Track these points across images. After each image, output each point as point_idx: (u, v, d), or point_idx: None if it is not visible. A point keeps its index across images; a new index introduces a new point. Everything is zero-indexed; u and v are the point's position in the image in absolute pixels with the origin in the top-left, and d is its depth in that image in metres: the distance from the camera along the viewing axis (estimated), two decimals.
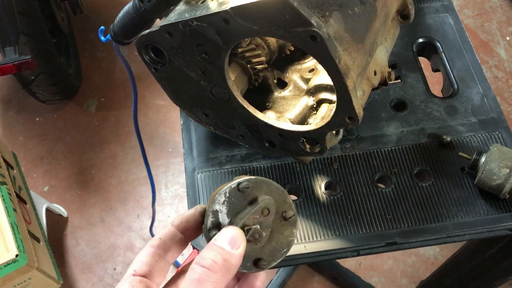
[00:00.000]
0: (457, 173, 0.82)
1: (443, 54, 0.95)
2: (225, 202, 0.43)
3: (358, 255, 0.79)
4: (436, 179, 0.82)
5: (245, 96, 0.77)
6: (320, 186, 0.83)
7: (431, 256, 1.78)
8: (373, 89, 0.85)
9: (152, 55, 0.75)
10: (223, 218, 0.43)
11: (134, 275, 0.44)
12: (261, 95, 0.84)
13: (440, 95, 0.94)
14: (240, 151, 0.86)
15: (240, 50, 0.75)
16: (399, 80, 0.93)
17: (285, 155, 0.83)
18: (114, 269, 1.81)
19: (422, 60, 1.02)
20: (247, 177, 0.43)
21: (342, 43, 0.62)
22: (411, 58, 0.95)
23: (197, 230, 0.48)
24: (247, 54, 0.75)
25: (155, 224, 1.71)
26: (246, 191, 0.43)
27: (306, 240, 0.77)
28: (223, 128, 0.81)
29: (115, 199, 1.95)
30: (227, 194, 0.43)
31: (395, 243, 0.78)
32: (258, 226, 0.42)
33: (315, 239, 0.77)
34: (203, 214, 0.47)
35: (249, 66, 0.76)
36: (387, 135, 0.87)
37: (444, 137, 0.85)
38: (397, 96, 0.91)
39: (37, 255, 1.32)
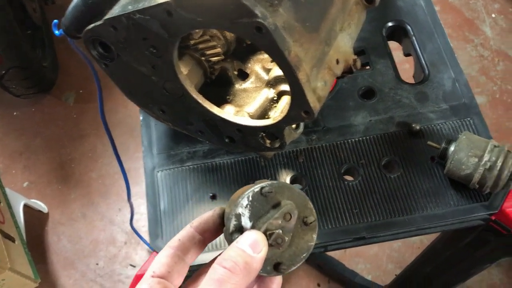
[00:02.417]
0: (426, 163, 0.80)
1: (413, 37, 0.91)
2: (248, 206, 0.43)
3: (326, 251, 0.77)
4: (405, 170, 0.79)
5: (204, 90, 0.74)
6: (285, 181, 0.79)
7: (417, 240, 1.76)
8: (338, 78, 0.82)
9: (101, 50, 0.71)
10: (246, 221, 0.43)
11: (153, 276, 0.44)
12: (222, 88, 0.80)
13: (412, 81, 0.91)
14: (203, 147, 0.83)
15: (192, 42, 0.71)
16: (368, 67, 0.89)
17: (248, 151, 0.79)
18: (97, 264, 1.78)
19: (395, 45, 0.98)
20: (269, 182, 0.44)
21: (292, 34, 0.58)
22: (380, 43, 0.91)
23: (216, 231, 0.48)
24: (201, 46, 0.71)
25: (137, 217, 1.68)
26: (269, 195, 0.43)
27: None
28: (181, 124, 0.77)
29: (96, 193, 1.91)
30: (250, 198, 0.43)
31: (362, 237, 0.76)
32: (281, 231, 0.43)
33: None
34: (221, 216, 0.48)
35: (203, 58, 0.72)
36: (355, 125, 0.84)
37: (413, 125, 0.81)
38: (365, 83, 0.87)
39: (10, 255, 1.29)
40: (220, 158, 0.82)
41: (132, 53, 0.67)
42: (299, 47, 0.59)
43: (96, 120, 2.07)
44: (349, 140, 0.82)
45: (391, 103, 0.85)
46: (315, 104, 0.62)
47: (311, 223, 0.45)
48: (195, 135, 0.79)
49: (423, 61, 0.89)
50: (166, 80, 0.69)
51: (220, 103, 0.77)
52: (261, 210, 0.43)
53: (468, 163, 0.72)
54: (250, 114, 0.74)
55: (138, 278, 0.72)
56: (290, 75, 0.58)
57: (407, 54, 0.94)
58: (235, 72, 0.80)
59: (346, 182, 0.79)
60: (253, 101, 0.76)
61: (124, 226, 1.85)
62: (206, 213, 0.49)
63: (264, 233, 0.43)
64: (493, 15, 2.28)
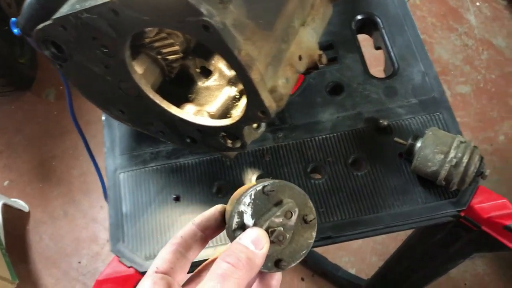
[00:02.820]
0: (394, 160, 0.78)
1: (383, 30, 0.89)
2: (250, 204, 0.44)
3: None
4: (373, 167, 0.78)
5: (165, 88, 0.72)
6: (251, 181, 0.78)
7: (401, 232, 1.75)
8: (305, 74, 0.80)
9: (54, 50, 0.68)
10: (248, 219, 0.44)
11: (156, 272, 0.45)
12: (184, 86, 0.78)
13: (383, 75, 0.89)
14: (166, 147, 0.81)
15: (147, 40, 0.68)
16: (336, 62, 0.87)
17: (210, 151, 0.77)
18: (79, 262, 1.77)
19: (366, 38, 0.96)
20: (271, 181, 0.45)
21: (243, 32, 0.56)
22: (349, 37, 0.89)
23: (217, 229, 0.49)
24: (156, 45, 0.69)
25: None
26: (271, 194, 0.45)
27: None
28: (141, 125, 0.75)
29: (78, 190, 1.89)
30: (253, 196, 0.44)
31: (329, 237, 0.74)
32: (282, 229, 0.44)
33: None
34: (223, 214, 0.49)
35: (160, 57, 0.70)
36: (322, 122, 0.82)
37: (381, 121, 0.80)
38: (333, 79, 0.85)
39: None
40: (184, 158, 0.80)
41: (84, 53, 0.65)
42: (251, 45, 0.57)
43: (77, 117, 2.04)
44: (316, 138, 0.81)
45: (359, 98, 0.83)
46: (271, 104, 0.60)
47: (310, 221, 0.46)
48: (156, 136, 0.77)
49: (393, 55, 0.87)
50: (121, 80, 0.67)
51: (182, 102, 0.75)
52: (263, 208, 0.44)
53: (434, 160, 0.71)
54: (211, 113, 0.72)
55: (98, 283, 0.70)
56: (242, 74, 0.56)
57: (377, 48, 0.92)
58: (197, 70, 0.78)
59: (312, 181, 0.77)
60: (215, 100, 0.74)
61: (106, 224, 1.83)
62: (208, 211, 0.50)
63: (266, 230, 0.44)
64: (477, 3, 2.26)
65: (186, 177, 0.78)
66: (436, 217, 0.75)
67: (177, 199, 0.77)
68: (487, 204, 0.75)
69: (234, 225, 0.44)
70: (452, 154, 0.69)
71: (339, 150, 0.79)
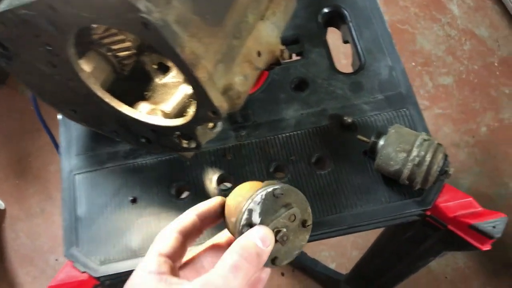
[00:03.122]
0: (358, 158, 0.76)
1: (350, 23, 0.86)
2: (260, 204, 0.47)
3: None
4: (336, 166, 0.75)
5: (121, 86, 0.69)
6: (211, 181, 0.75)
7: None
8: (267, 69, 0.77)
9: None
10: (255, 217, 0.47)
11: (160, 255, 0.47)
12: (141, 84, 0.75)
13: (351, 70, 0.86)
14: (124, 147, 0.78)
15: (96, 37, 0.65)
16: (301, 57, 0.85)
17: (165, 151, 0.75)
18: (56, 259, 1.74)
19: (336, 32, 0.94)
20: (280, 184, 0.49)
21: (188, 28, 0.53)
22: (315, 30, 0.87)
23: (215, 219, 0.52)
24: (106, 41, 0.66)
25: None
26: (280, 196, 0.48)
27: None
28: (95, 125, 0.72)
29: (55, 187, 1.86)
30: (263, 197, 0.47)
31: None
32: (286, 230, 0.48)
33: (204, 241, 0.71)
34: (222, 206, 0.52)
35: (110, 54, 0.67)
36: (286, 119, 0.79)
37: (345, 118, 0.77)
38: (298, 74, 0.83)
39: None
40: (143, 158, 0.77)
41: (30, 52, 0.62)
42: (197, 42, 0.54)
43: (54, 112, 2.00)
44: (280, 136, 0.78)
45: (324, 94, 0.81)
46: (221, 103, 0.58)
47: (308, 225, 0.50)
48: (111, 136, 0.74)
49: (360, 49, 0.84)
50: (69, 79, 0.64)
51: (138, 100, 0.72)
52: (270, 208, 0.48)
53: (397, 159, 0.68)
54: (166, 112, 0.69)
55: None
56: (187, 74, 0.54)
57: (345, 41, 0.90)
58: (154, 66, 0.75)
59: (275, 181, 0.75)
60: (171, 98, 0.71)
61: None
62: (209, 201, 0.52)
63: (272, 229, 0.47)
64: None
65: (144, 178, 0.76)
66: (400, 217, 0.73)
67: (134, 201, 0.74)
68: (452, 203, 0.73)
69: (243, 221, 0.47)
70: (414, 152, 0.67)
71: (303, 148, 0.77)
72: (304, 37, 0.86)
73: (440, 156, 0.68)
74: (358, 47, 0.84)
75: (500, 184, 1.81)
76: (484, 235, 0.72)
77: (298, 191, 0.50)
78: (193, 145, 0.67)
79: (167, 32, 0.50)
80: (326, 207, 0.73)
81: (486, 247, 0.74)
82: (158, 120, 0.65)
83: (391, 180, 0.73)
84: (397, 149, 0.68)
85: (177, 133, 0.66)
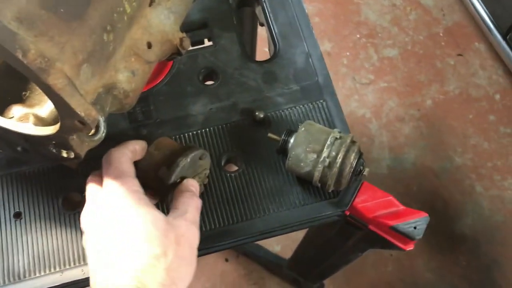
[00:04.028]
0: (271, 158, 0.69)
1: (264, 3, 0.78)
2: (189, 162, 0.59)
3: None
4: (247, 167, 0.68)
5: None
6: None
7: None
8: (168, 60, 0.68)
9: None
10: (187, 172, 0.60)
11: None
12: (19, 82, 0.65)
13: (268, 57, 0.78)
14: (6, 153, 0.68)
15: None
16: (211, 43, 0.76)
17: (46, 162, 0.66)
18: None
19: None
20: (201, 150, 0.61)
21: (34, 26, 0.44)
22: (227, 13, 0.78)
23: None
24: None
25: None
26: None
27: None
28: None
29: None
30: (188, 160, 0.59)
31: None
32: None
33: None
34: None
35: None
36: (193, 115, 0.71)
37: (257, 113, 0.70)
38: (206, 64, 0.75)
39: None
40: (29, 166, 0.68)
41: None
42: (48, 42, 0.45)
43: None
44: (186, 134, 0.70)
45: (235, 86, 0.73)
46: (88, 112, 0.49)
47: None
48: None
49: (274, 33, 0.76)
50: None
51: (14, 101, 0.62)
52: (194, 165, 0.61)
53: (307, 160, 0.62)
54: (42, 117, 0.60)
55: None
56: (37, 82, 0.45)
57: (261, 24, 0.82)
58: None
59: None
60: (48, 100, 0.62)
61: None
62: (140, 142, 0.59)
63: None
64: None
65: (30, 189, 0.67)
66: (316, 219, 0.67)
67: (18, 215, 0.65)
68: (371, 203, 0.67)
69: (177, 173, 0.59)
70: (325, 153, 0.61)
71: (211, 147, 0.69)
72: (213, 20, 0.77)
73: (352, 156, 0.62)
74: (273, 31, 0.76)
75: (445, 157, 1.80)
76: (405, 236, 0.67)
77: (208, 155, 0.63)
78: (72, 155, 0.58)
79: (2, 33, 0.41)
80: (236, 213, 0.66)
81: (409, 247, 0.70)
82: (27, 128, 0.56)
83: (306, 181, 0.67)
84: (307, 149, 0.62)
85: (53, 142, 0.57)
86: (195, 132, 0.70)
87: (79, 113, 0.48)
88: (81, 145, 0.56)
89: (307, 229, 1.02)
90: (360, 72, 1.90)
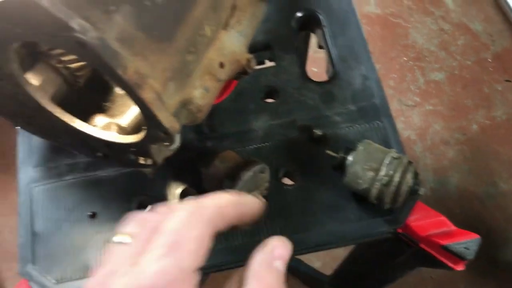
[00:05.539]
0: (328, 174, 0.72)
1: (325, 28, 0.82)
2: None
3: (212, 272, 0.70)
4: (305, 181, 0.72)
5: (78, 97, 0.66)
6: (174, 195, 0.72)
7: None
8: (235, 79, 0.74)
9: None
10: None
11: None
12: (101, 94, 0.72)
13: (323, 78, 0.82)
14: (84, 158, 0.75)
15: (46, 48, 0.62)
16: (273, 63, 0.81)
17: (123, 167, 0.72)
18: None
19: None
20: (262, 164, 0.67)
21: (132, 46, 0.49)
22: (289, 36, 0.83)
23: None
24: (55, 52, 0.62)
25: None
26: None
27: None
28: (50, 137, 0.69)
29: None
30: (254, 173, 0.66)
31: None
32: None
33: None
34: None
35: (61, 65, 0.63)
36: (254, 130, 0.76)
37: (315, 130, 0.74)
38: (268, 83, 0.79)
39: None
40: (103, 170, 0.74)
41: None
42: (142, 61, 0.50)
43: None
44: (247, 148, 0.75)
45: (295, 104, 0.77)
46: (172, 124, 0.54)
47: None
48: (68, 148, 0.71)
49: (333, 56, 0.80)
50: (16, 93, 0.60)
51: (96, 111, 0.69)
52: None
53: (365, 177, 0.65)
54: (124, 126, 0.66)
55: None
56: (132, 95, 0.50)
57: (320, 46, 0.86)
58: None
59: None
60: (128, 110, 0.68)
61: None
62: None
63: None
64: None
65: (104, 192, 0.73)
66: (370, 235, 0.70)
67: (93, 216, 0.71)
68: (424, 221, 0.70)
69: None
70: (382, 172, 0.64)
71: (270, 161, 0.73)
72: (276, 43, 0.82)
73: (409, 175, 0.65)
74: (332, 54, 0.81)
75: (489, 183, 1.78)
76: (457, 256, 0.69)
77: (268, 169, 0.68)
78: (149, 162, 0.64)
79: (107, 51, 0.46)
80: (292, 225, 0.70)
81: (460, 268, 0.72)
82: (111, 136, 0.62)
83: (362, 197, 0.70)
84: (365, 167, 0.65)
85: (133, 149, 0.63)
86: (256, 146, 0.75)
87: (165, 124, 0.53)
88: (159, 153, 0.62)
89: (352, 245, 1.04)
90: (407, 94, 1.91)
